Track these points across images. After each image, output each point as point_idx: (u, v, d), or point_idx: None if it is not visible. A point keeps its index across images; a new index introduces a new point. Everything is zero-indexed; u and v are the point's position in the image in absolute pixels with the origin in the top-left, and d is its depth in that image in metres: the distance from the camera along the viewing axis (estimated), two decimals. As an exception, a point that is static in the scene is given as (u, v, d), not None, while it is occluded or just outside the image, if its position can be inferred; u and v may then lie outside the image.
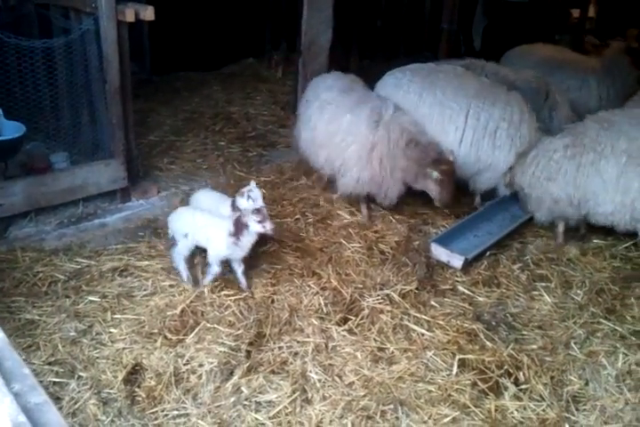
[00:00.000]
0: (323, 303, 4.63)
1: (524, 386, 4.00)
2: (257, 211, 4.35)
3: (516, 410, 3.83)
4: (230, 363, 3.98)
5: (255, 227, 4.37)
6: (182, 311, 4.38)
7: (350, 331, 4.41)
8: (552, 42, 9.45)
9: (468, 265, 5.23)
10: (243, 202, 4.66)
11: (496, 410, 3.81)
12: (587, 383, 4.08)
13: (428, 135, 5.69)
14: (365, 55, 10.50)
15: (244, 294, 4.62)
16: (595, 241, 5.74)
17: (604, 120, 5.37)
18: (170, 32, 8.92)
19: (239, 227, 4.39)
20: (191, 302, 4.47)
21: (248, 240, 4.48)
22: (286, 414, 3.68)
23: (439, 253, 5.32)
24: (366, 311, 4.60)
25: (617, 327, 4.60)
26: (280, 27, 10.44)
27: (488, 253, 5.43)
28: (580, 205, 5.31)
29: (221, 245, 4.50)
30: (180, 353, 4.05)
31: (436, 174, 5.44)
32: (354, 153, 5.62)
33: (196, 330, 4.23)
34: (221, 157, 7.05)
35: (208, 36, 9.59)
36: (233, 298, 4.58)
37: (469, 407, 3.80)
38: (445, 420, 3.71)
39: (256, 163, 7.04)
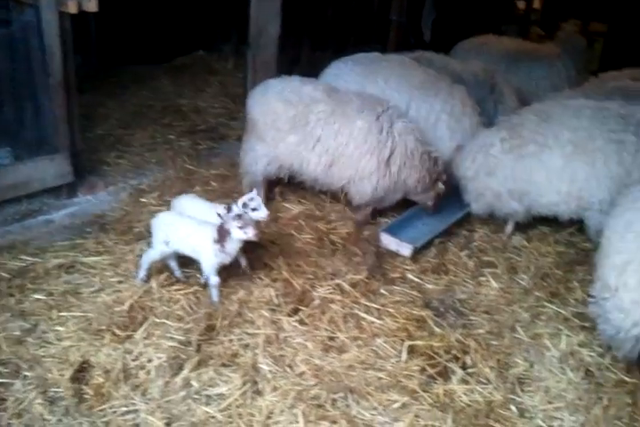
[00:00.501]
0: (274, 295, 4.65)
1: (471, 370, 4.10)
2: (238, 217, 4.23)
3: (464, 393, 3.91)
4: (180, 357, 3.96)
5: (237, 233, 4.25)
6: (130, 307, 4.33)
7: (301, 321, 4.43)
8: (499, 33, 9.59)
9: (416, 253, 5.31)
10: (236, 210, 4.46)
11: (444, 394, 3.89)
12: (531, 365, 4.21)
13: (431, 144, 5.74)
14: (316, 46, 10.47)
15: (194, 288, 4.59)
16: (539, 227, 5.87)
17: (540, 111, 5.45)
18: (117, 24, 8.73)
19: (222, 234, 4.28)
20: (139, 297, 4.42)
21: (232, 247, 4.37)
22: (237, 407, 3.68)
23: (388, 242, 5.39)
24: (317, 302, 4.62)
25: (561, 310, 4.74)
26: (230, 18, 10.33)
27: (436, 241, 5.52)
28: (522, 197, 5.39)
29: (209, 254, 4.39)
30: (129, 349, 4.01)
31: (442, 187, 5.62)
32: (371, 162, 5.43)
33: (145, 325, 4.19)
34: (170, 151, 6.97)
35: (157, 28, 9.42)
36: (182, 292, 4.55)
37: (418, 393, 3.87)
38: (395, 406, 3.77)
39: (206, 156, 6.98)
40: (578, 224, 5.53)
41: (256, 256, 5.07)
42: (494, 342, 4.37)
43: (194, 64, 10.20)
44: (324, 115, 5.39)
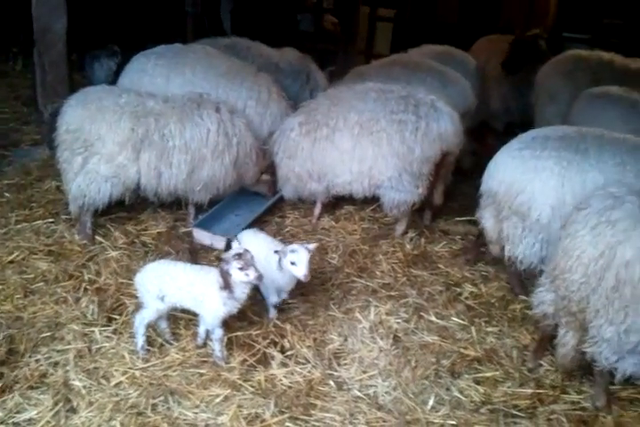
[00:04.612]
0: (84, 306, 4.45)
1: (289, 352, 4.20)
2: (238, 256, 3.79)
3: (284, 376, 4.00)
4: (-22, 387, 3.66)
5: (238, 275, 3.78)
6: None
7: (115, 331, 4.28)
8: (295, 21, 9.85)
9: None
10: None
11: (265, 380, 3.95)
12: (346, 339, 4.40)
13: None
14: (113, 42, 10.04)
15: (-10, 312, 4.26)
16: (345, 207, 6.17)
17: (333, 96, 5.76)
18: None
19: (226, 278, 3.81)
20: None
21: (242, 291, 3.92)
22: (49, 429, 3.49)
23: (202, 236, 5.36)
24: (131, 308, 4.48)
25: (369, 283, 5.02)
26: (17, 16, 9.55)
27: (250, 231, 5.58)
28: (320, 178, 5.66)
29: (216, 303, 3.92)
30: None
31: (267, 177, 5.90)
32: (225, 162, 5.41)
33: None
34: (-48, 164, 6.36)
35: None
36: (-24, 318, 4.20)
37: (239, 383, 3.90)
38: (217, 400, 3.77)
39: (-3, 165, 6.46)
40: (379, 201, 5.84)
41: (60, 268, 4.81)
42: (310, 322, 4.51)
43: (-22, 67, 9.37)
44: (173, 126, 5.19)
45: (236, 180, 5.67)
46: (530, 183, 4.38)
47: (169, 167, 5.23)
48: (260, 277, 3.80)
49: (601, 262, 3.43)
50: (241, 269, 3.77)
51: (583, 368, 4.05)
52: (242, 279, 3.81)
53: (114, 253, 5.09)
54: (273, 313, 4.50)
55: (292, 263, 4.04)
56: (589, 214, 3.55)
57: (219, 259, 3.89)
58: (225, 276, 3.83)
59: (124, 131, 5.05)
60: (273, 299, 4.46)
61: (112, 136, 5.04)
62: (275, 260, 4.13)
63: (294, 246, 4.10)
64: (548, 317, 3.98)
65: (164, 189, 5.32)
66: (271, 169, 5.94)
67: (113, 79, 7.08)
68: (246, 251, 3.87)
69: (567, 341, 3.84)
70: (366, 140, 5.37)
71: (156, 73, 6.25)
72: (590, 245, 3.47)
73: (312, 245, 4.18)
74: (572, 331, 3.80)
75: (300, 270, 4.03)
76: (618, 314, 3.42)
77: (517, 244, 4.55)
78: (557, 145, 4.41)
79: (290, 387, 3.94)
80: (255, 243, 4.42)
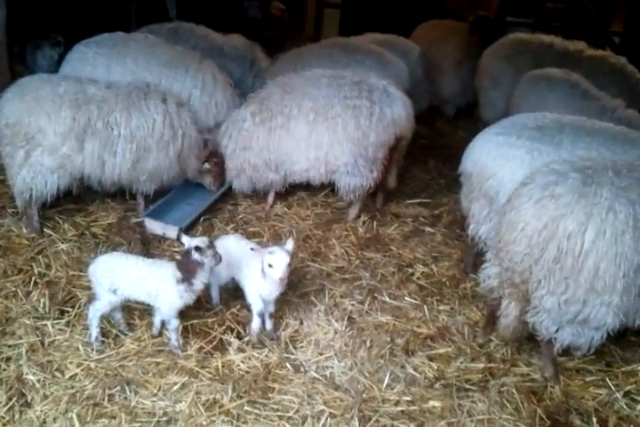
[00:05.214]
0: (34, 300, 4.39)
1: (246, 338, 4.23)
2: (211, 244, 3.90)
3: (242, 362, 4.03)
4: None
5: (211, 262, 3.89)
6: None
7: (69, 323, 4.24)
8: (242, 8, 9.78)
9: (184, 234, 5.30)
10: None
11: (223, 366, 3.98)
12: (301, 323, 4.45)
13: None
14: (56, 32, 9.79)
15: None
16: (298, 193, 6.20)
17: (284, 84, 5.73)
18: None
19: (191, 268, 3.88)
20: None
21: (202, 281, 3.96)
22: (4, 425, 3.45)
23: (154, 226, 5.33)
24: (84, 300, 4.43)
25: (323, 267, 5.08)
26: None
27: (202, 219, 5.57)
28: (278, 167, 5.66)
29: (173, 297, 3.93)
30: None
31: (207, 166, 5.76)
32: (169, 153, 5.38)
33: None
34: None
35: None
36: None
37: (197, 370, 3.91)
38: (175, 388, 3.78)
39: None
40: (331, 186, 5.90)
41: (8, 262, 4.73)
42: (267, 307, 4.55)
43: None
44: (119, 114, 5.10)
45: (179, 172, 5.63)
46: (500, 169, 4.40)
47: (113, 156, 5.15)
48: (220, 257, 3.94)
49: (544, 234, 3.55)
50: (214, 256, 3.89)
51: (532, 341, 4.20)
52: (212, 264, 3.93)
53: (63, 246, 5.02)
54: (256, 325, 4.21)
55: (270, 265, 3.89)
56: (534, 189, 3.66)
57: (196, 249, 3.85)
58: (192, 267, 3.89)
59: (65, 121, 4.94)
60: (257, 307, 4.19)
61: (53, 127, 4.93)
62: (258, 266, 4.02)
63: (273, 248, 4.00)
64: (494, 290, 4.10)
65: (108, 179, 5.25)
66: (216, 162, 5.82)
67: (55, 69, 6.92)
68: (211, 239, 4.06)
69: (509, 312, 3.97)
70: (322, 126, 5.41)
71: (98, 62, 6.15)
72: (534, 217, 3.58)
73: (289, 245, 4.00)
74: (515, 302, 3.92)
75: (276, 273, 3.86)
76: (558, 285, 3.55)
77: (482, 224, 4.64)
78: (533, 134, 4.39)
79: (247, 372, 3.97)
80: (238, 249, 4.35)
